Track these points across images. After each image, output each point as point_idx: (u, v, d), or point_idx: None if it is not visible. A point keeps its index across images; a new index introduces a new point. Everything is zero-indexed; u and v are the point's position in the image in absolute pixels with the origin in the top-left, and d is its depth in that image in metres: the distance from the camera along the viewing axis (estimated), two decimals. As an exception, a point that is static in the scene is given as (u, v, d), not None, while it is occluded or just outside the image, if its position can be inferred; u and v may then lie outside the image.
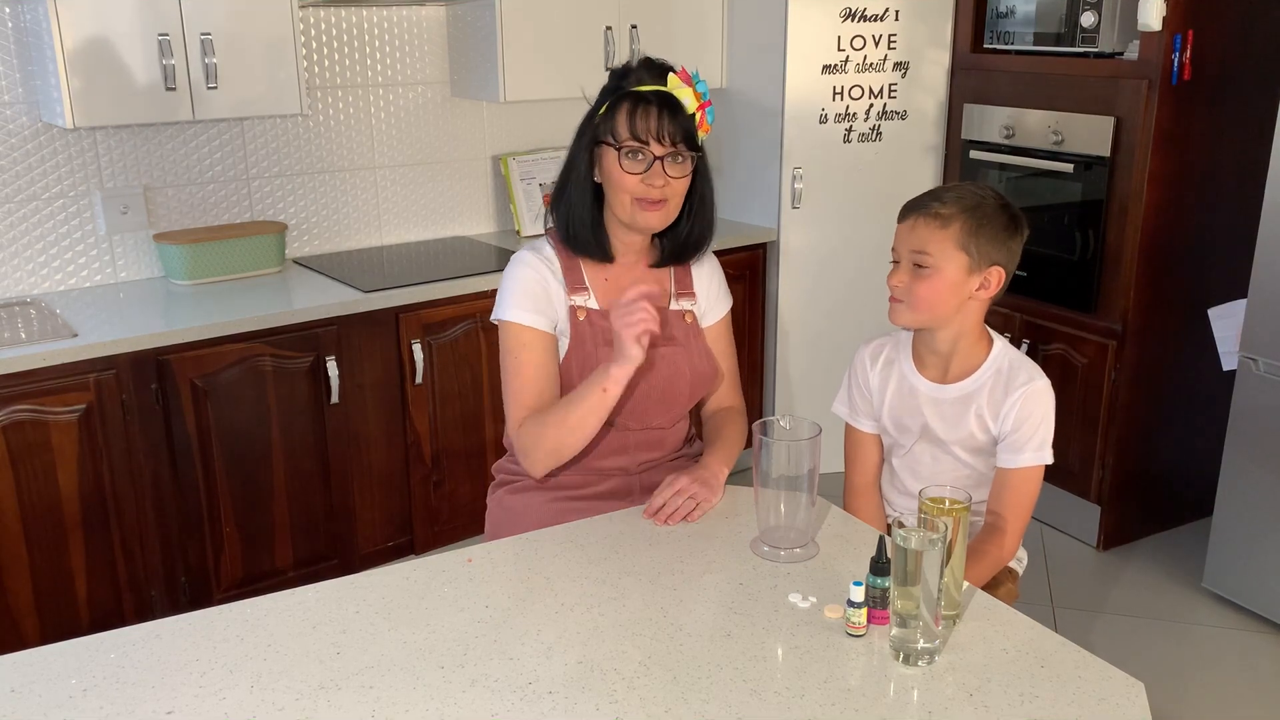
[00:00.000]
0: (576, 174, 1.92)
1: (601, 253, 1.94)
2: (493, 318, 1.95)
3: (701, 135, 1.90)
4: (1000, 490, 1.87)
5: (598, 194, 1.92)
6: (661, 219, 1.90)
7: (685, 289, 2.03)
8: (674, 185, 1.88)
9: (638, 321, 1.72)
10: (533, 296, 1.91)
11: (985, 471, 1.93)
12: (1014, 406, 1.84)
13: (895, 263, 1.87)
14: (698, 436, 2.17)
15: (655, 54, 1.96)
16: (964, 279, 1.82)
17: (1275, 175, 2.84)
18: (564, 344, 1.93)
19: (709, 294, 2.06)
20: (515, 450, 1.94)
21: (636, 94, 1.86)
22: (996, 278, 1.84)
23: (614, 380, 1.78)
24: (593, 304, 1.94)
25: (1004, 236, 1.82)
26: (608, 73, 1.96)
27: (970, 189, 1.84)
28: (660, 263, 2.00)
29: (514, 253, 2.01)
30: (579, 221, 1.91)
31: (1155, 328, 3.31)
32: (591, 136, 1.90)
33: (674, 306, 2.00)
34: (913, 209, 1.84)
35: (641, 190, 1.86)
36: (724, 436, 2.02)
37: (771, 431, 1.69)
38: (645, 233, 1.94)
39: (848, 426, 2.05)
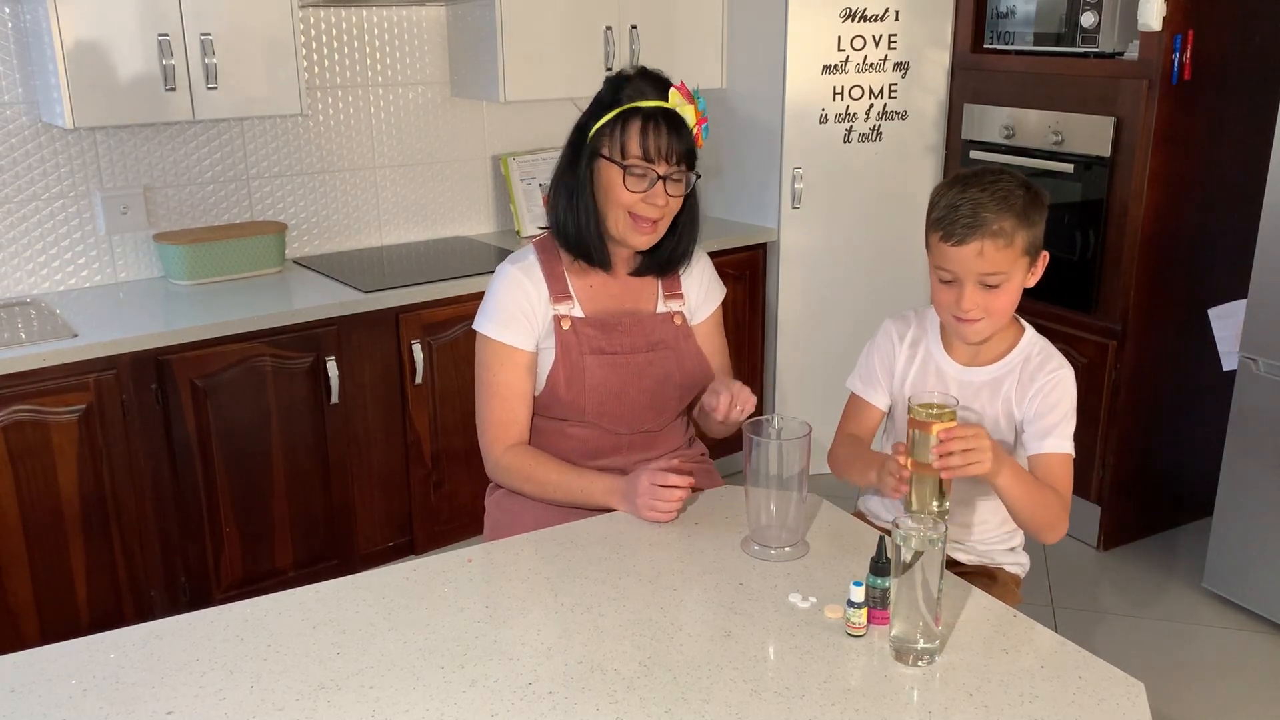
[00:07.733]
0: (581, 186, 1.89)
1: (604, 261, 1.94)
2: (473, 325, 1.98)
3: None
4: (1042, 477, 1.81)
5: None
6: (650, 239, 1.90)
7: (673, 290, 2.02)
8: (670, 205, 1.88)
9: (659, 509, 1.78)
10: (512, 313, 1.92)
11: None
12: (1040, 392, 1.82)
13: (948, 281, 1.78)
14: (698, 437, 2.16)
15: (655, 55, 1.95)
16: (1025, 277, 1.80)
17: (1275, 175, 2.84)
18: (549, 355, 1.93)
19: (699, 291, 2.05)
20: (485, 459, 1.99)
21: (644, 111, 1.83)
22: (1043, 261, 1.82)
23: (606, 505, 1.86)
24: (577, 312, 1.93)
25: (1041, 221, 1.79)
26: (604, 79, 1.94)
27: (1001, 186, 1.75)
28: (640, 272, 1.99)
29: (510, 253, 2.01)
30: (588, 232, 1.90)
31: (1155, 328, 3.31)
32: (593, 149, 1.87)
33: (661, 309, 1.99)
34: (972, 230, 1.73)
35: (641, 208, 1.85)
36: None
37: (763, 431, 1.69)
38: (632, 249, 1.95)
39: (853, 397, 1.97)
